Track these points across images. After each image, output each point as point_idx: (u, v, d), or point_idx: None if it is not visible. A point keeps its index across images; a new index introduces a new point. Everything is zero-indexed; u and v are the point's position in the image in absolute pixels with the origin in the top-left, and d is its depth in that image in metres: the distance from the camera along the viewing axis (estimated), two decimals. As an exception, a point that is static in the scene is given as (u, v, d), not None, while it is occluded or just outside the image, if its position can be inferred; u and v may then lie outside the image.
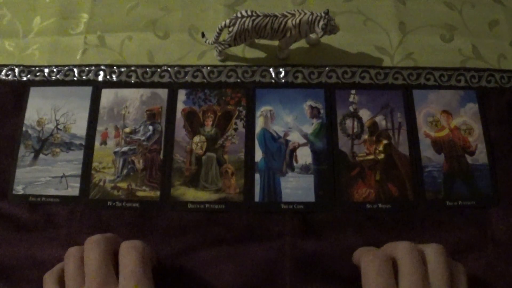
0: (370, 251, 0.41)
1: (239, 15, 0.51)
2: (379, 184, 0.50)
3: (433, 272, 0.38)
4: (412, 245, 0.39)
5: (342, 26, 0.54)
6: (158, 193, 0.50)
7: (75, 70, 0.56)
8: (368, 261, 0.40)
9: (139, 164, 0.52)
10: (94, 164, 0.52)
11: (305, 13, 0.51)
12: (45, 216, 0.49)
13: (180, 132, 0.53)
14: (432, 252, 0.39)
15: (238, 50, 0.57)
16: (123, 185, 0.51)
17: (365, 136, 0.52)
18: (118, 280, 0.38)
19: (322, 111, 0.53)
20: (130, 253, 0.39)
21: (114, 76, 0.56)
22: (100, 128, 0.53)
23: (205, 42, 0.55)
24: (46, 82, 0.56)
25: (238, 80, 0.55)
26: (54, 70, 0.56)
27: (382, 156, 0.51)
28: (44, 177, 0.51)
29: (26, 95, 0.55)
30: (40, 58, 0.58)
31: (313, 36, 0.56)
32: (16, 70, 0.56)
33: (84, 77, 0.56)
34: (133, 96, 0.55)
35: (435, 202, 0.49)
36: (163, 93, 0.55)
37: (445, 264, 0.38)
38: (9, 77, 0.56)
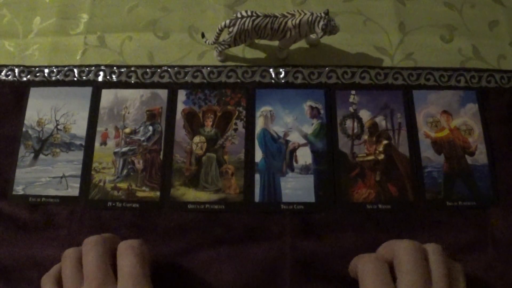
0: (365, 255, 0.41)
1: (239, 15, 0.51)
2: (379, 184, 0.50)
3: (432, 271, 0.38)
4: (415, 244, 0.39)
5: (342, 27, 0.54)
6: (158, 193, 0.50)
7: (75, 70, 0.56)
8: (364, 264, 0.40)
9: (139, 164, 0.52)
10: (94, 164, 0.52)
11: (305, 14, 0.51)
12: (45, 216, 0.49)
13: (180, 133, 0.53)
14: (431, 251, 0.39)
15: (238, 50, 0.57)
16: (123, 185, 0.51)
17: (365, 137, 0.52)
18: (116, 280, 0.38)
19: (322, 111, 0.53)
20: (127, 253, 0.39)
21: (114, 76, 0.56)
22: (100, 128, 0.53)
23: (205, 42, 0.55)
24: (46, 83, 0.56)
25: (238, 81, 0.55)
26: (54, 70, 0.56)
27: (382, 156, 0.51)
28: (44, 177, 0.51)
29: (26, 95, 0.55)
30: (40, 59, 0.58)
31: (313, 36, 0.56)
32: (16, 70, 0.56)
33: (84, 78, 0.56)
34: (133, 97, 0.55)
35: (435, 202, 0.49)
36: (163, 93, 0.55)
37: (444, 264, 0.38)
38: (9, 77, 0.56)
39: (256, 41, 0.57)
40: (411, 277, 0.37)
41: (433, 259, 0.38)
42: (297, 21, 0.51)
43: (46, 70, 0.56)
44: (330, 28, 0.51)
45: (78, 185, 0.51)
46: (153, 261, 0.43)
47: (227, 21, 0.51)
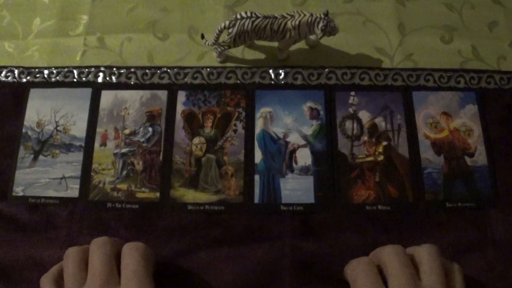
0: (356, 259, 0.41)
1: (238, 16, 0.51)
2: (379, 185, 0.50)
3: (426, 272, 0.38)
4: (398, 247, 0.40)
5: (341, 28, 0.54)
6: (157, 194, 0.50)
7: (75, 71, 0.56)
8: (354, 267, 0.40)
9: (139, 165, 0.52)
10: (94, 165, 0.52)
11: (305, 15, 0.51)
12: (45, 217, 0.49)
13: (180, 134, 0.53)
14: (425, 252, 0.39)
15: (238, 51, 0.57)
16: (123, 186, 0.51)
17: (365, 138, 0.52)
18: (120, 282, 0.38)
19: (321, 112, 0.53)
20: (132, 254, 0.40)
21: (113, 77, 0.56)
22: (99, 129, 0.53)
23: (205, 43, 0.55)
24: (46, 84, 0.56)
25: (238, 82, 0.55)
26: (54, 71, 0.56)
27: (381, 157, 0.51)
28: (43, 178, 0.51)
29: (25, 96, 0.55)
30: (39, 60, 0.58)
31: (312, 37, 0.56)
32: (16, 71, 0.56)
33: (83, 79, 0.56)
34: (133, 98, 0.55)
35: (435, 203, 0.49)
36: (162, 94, 0.55)
37: (438, 263, 0.38)
38: (9, 78, 0.56)
39: (256, 42, 0.57)
40: (399, 279, 0.37)
41: (426, 259, 0.39)
42: (297, 22, 0.51)
43: (46, 71, 0.56)
44: (330, 29, 0.51)
45: (77, 186, 0.51)
46: (156, 264, 0.43)
47: (227, 22, 0.51)
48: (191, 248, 0.47)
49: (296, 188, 0.50)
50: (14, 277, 0.47)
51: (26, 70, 0.56)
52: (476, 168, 0.51)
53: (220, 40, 0.53)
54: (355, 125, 0.53)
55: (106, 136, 0.53)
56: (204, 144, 0.52)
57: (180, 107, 0.54)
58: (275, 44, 0.55)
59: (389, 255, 0.39)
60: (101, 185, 0.51)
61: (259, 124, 0.53)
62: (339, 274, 0.45)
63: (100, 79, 0.56)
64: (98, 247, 0.40)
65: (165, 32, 0.59)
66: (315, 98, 0.54)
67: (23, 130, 0.53)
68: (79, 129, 0.53)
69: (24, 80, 0.56)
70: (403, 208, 0.49)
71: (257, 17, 0.51)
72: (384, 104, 0.54)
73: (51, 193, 0.50)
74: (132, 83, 0.55)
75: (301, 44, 0.56)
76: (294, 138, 0.52)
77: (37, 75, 0.56)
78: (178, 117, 0.53)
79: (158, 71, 0.56)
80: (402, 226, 0.48)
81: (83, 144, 0.53)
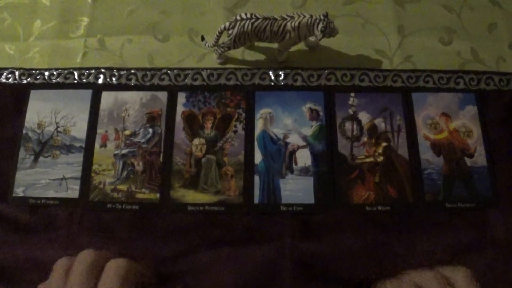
0: (390, 282, 0.38)
1: (238, 18, 0.51)
2: (379, 186, 0.50)
3: None
4: (436, 273, 0.36)
5: (341, 29, 0.54)
6: (157, 195, 0.50)
7: (75, 73, 0.56)
8: None
9: (139, 166, 0.52)
10: (94, 166, 0.52)
11: (304, 16, 0.51)
12: (45, 218, 0.49)
13: (180, 135, 0.53)
14: (461, 278, 0.37)
15: (238, 53, 0.57)
16: (123, 187, 0.51)
17: (365, 139, 0.52)
18: None
19: (321, 113, 0.53)
20: (109, 272, 0.37)
21: (114, 79, 0.56)
22: (100, 130, 0.53)
23: (205, 45, 0.55)
24: (47, 85, 0.56)
25: (238, 83, 0.55)
26: (54, 73, 0.56)
27: (381, 158, 0.51)
28: (44, 179, 0.51)
29: (26, 98, 0.55)
30: (40, 61, 0.58)
31: (312, 39, 0.56)
32: (17, 73, 0.57)
33: (84, 80, 0.56)
34: (133, 99, 0.55)
35: (435, 204, 0.49)
36: (163, 96, 0.55)
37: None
38: (10, 80, 0.56)
39: (256, 43, 0.57)
40: None
41: (462, 285, 0.37)
42: (297, 23, 0.51)
43: (47, 73, 0.56)
44: (329, 30, 0.51)
45: (78, 187, 0.51)
46: (143, 282, 0.42)
47: (227, 24, 0.51)
48: (191, 249, 0.47)
49: (296, 189, 0.50)
50: (14, 277, 0.47)
51: (27, 72, 0.57)
52: (476, 169, 0.51)
53: (220, 41, 0.54)
54: (354, 126, 0.53)
55: (107, 137, 0.53)
56: (204, 145, 0.52)
57: (180, 108, 0.54)
58: (275, 45, 0.55)
59: (430, 281, 0.36)
60: (101, 186, 0.51)
61: (259, 125, 0.53)
62: (339, 273, 0.45)
63: (100, 81, 0.56)
64: (81, 259, 0.38)
65: (165, 34, 0.59)
66: (315, 99, 0.54)
67: (24, 131, 0.54)
68: (80, 130, 0.53)
69: (25, 81, 0.56)
70: (403, 208, 0.49)
71: (257, 19, 0.51)
72: (384, 105, 0.54)
73: (52, 194, 0.50)
74: (132, 84, 0.56)
75: (301, 46, 0.57)
76: (294, 139, 0.52)
77: (38, 77, 0.56)
78: (178, 118, 0.54)
79: (158, 73, 0.56)
80: (401, 227, 0.48)
81: (83, 145, 0.53)
